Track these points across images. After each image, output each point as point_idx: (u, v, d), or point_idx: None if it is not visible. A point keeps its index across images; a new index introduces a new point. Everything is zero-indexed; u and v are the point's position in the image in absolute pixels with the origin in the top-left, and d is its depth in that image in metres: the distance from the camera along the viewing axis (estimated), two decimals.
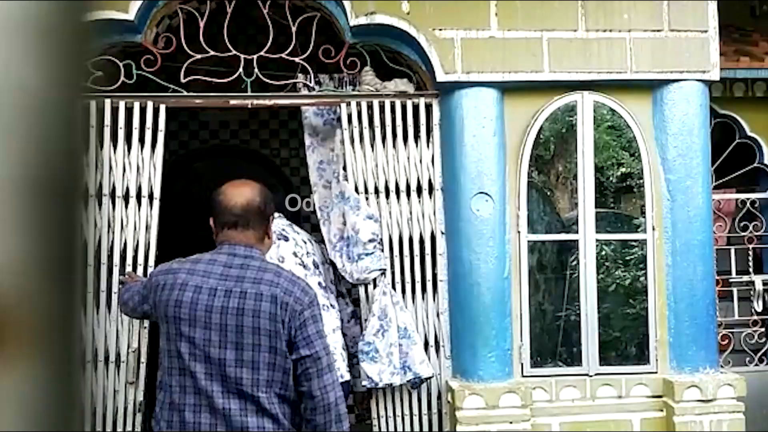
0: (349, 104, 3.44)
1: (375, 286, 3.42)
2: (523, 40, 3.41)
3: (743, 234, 4.41)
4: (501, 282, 3.41)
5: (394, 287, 3.44)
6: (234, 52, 3.40)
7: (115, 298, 3.28)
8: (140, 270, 3.29)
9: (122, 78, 3.33)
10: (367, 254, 3.39)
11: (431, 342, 3.50)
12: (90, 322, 3.28)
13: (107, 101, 3.31)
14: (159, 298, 2.18)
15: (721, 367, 3.68)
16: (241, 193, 2.25)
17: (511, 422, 3.30)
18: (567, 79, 3.45)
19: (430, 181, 3.51)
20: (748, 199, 4.44)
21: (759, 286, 4.40)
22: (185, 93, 3.40)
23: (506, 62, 3.39)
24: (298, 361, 2.13)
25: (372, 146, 3.47)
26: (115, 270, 3.29)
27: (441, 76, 3.37)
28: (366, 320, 3.41)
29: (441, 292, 3.49)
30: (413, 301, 3.48)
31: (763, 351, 4.40)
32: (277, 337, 2.10)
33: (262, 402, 2.09)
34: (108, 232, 3.31)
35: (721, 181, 4.28)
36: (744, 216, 4.43)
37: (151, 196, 3.34)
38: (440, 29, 3.36)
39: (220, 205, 2.25)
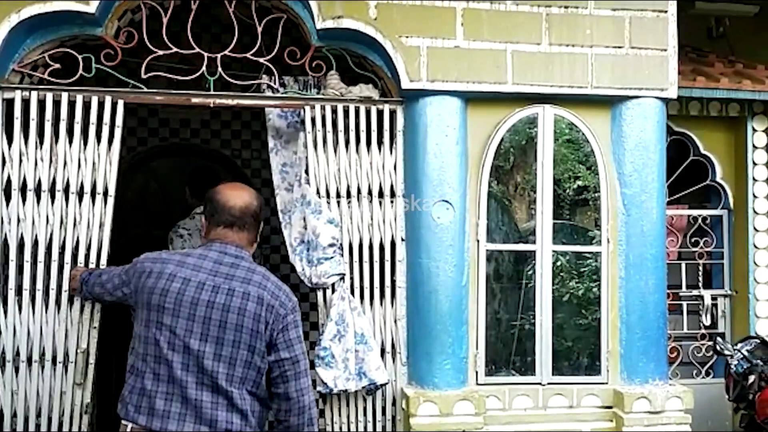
0: (313, 107, 3.42)
1: (333, 291, 3.40)
2: (488, 51, 3.44)
3: (694, 249, 4.54)
4: (459, 290, 3.43)
5: (352, 292, 3.43)
6: (197, 49, 3.35)
7: (65, 296, 3.19)
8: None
9: (80, 71, 3.25)
10: (326, 258, 3.37)
11: (388, 348, 3.49)
12: (38, 320, 3.18)
13: (64, 94, 3.22)
14: (143, 284, 2.22)
15: (670, 379, 3.76)
16: (240, 196, 2.36)
17: (464, 430, 3.32)
18: (529, 91, 3.49)
19: (391, 187, 3.51)
20: (699, 215, 4.57)
21: (708, 301, 4.53)
22: (145, 89, 3.33)
23: (471, 72, 3.42)
24: (276, 363, 2.21)
25: (335, 150, 3.45)
26: (66, 267, 3.20)
27: (406, 84, 3.38)
28: (323, 325, 3.39)
29: (399, 298, 3.50)
30: (371, 307, 3.47)
31: (709, 364, 4.52)
32: (258, 337, 2.18)
33: (234, 398, 2.15)
34: (60, 228, 3.22)
35: (674, 197, 4.39)
36: (695, 232, 4.57)
37: (105, 193, 3.26)
38: (407, 36, 3.37)
39: (218, 204, 2.34)
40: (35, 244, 3.19)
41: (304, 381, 2.25)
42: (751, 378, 3.76)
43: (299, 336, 2.27)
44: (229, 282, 2.21)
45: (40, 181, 3.21)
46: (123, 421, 2.21)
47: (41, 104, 3.22)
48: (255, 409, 2.22)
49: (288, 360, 2.22)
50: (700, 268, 4.57)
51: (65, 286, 3.19)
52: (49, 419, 3.20)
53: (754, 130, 4.44)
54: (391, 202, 3.51)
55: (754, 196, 4.43)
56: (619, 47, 3.55)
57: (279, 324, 2.22)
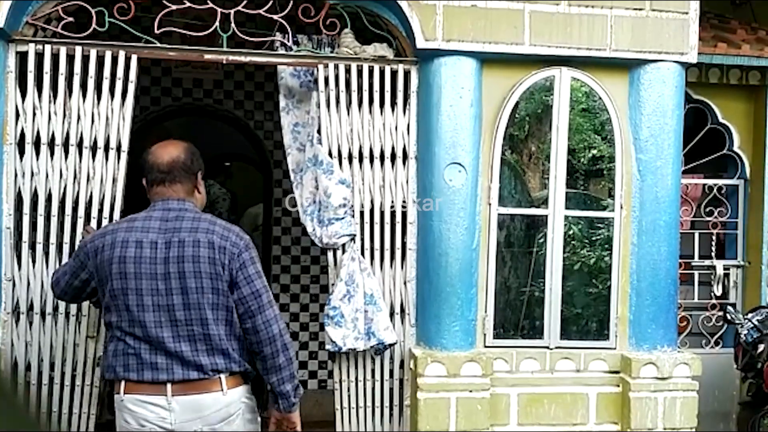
0: (326, 66, 3.39)
1: (344, 252, 3.41)
2: (505, 10, 3.38)
3: (708, 219, 4.50)
4: (469, 253, 3.43)
5: (363, 253, 3.43)
6: (211, 4, 3.32)
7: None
8: (104, 224, 3.23)
9: (94, 25, 3.23)
10: (337, 219, 3.37)
11: (397, 309, 3.51)
12: (52, 273, 3.21)
13: (78, 49, 3.21)
14: (101, 259, 2.29)
15: (678, 347, 3.76)
16: (166, 152, 2.42)
17: (471, 391, 3.34)
18: (546, 53, 3.44)
19: (404, 148, 3.49)
20: (715, 185, 4.52)
21: (720, 271, 4.50)
22: (159, 45, 3.31)
23: (487, 32, 3.37)
24: (240, 300, 2.30)
25: (348, 110, 3.43)
26: (80, 222, 3.22)
27: (421, 43, 3.33)
28: (333, 285, 3.41)
29: (409, 260, 3.50)
30: (381, 268, 3.48)
31: (719, 334, 4.51)
32: (218, 279, 2.26)
33: (212, 340, 2.27)
34: (73, 183, 3.23)
35: (690, 165, 4.34)
36: (710, 201, 4.52)
37: (119, 149, 3.26)
38: None
39: (148, 163, 2.42)
40: (48, 198, 3.22)
41: (269, 312, 2.32)
42: (761, 347, 3.76)
43: (258, 271, 2.34)
44: (177, 234, 2.29)
45: (53, 135, 3.22)
46: (116, 382, 2.30)
47: (55, 58, 3.21)
48: (234, 347, 2.31)
49: (250, 295, 2.30)
50: (714, 238, 4.53)
51: (78, 240, 3.22)
52: (62, 371, 3.25)
53: None
54: (404, 163, 3.49)
55: None
56: (640, 9, 3.48)
57: (235, 263, 2.29)
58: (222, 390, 2.28)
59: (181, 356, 2.25)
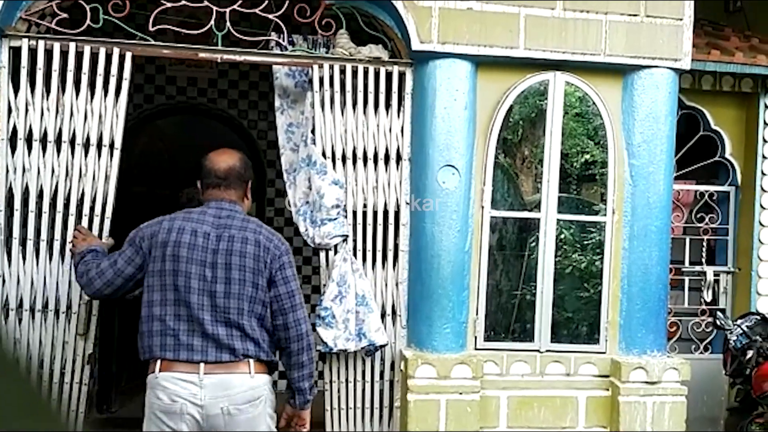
0: (321, 66, 3.39)
1: (336, 252, 3.41)
2: (500, 14, 3.39)
3: (699, 225, 4.52)
4: (462, 255, 3.43)
5: (355, 254, 3.43)
6: (206, 2, 3.31)
7: (69, 247, 3.20)
8: (96, 221, 3.22)
9: (88, 22, 3.22)
10: (330, 219, 3.37)
11: (388, 311, 3.51)
12: (42, 270, 3.20)
13: (72, 45, 3.20)
14: (156, 241, 2.49)
15: (668, 351, 3.77)
16: (223, 160, 2.65)
17: (460, 393, 3.35)
18: (541, 57, 3.45)
19: (398, 150, 3.49)
20: (707, 191, 4.54)
21: (710, 277, 4.52)
22: (153, 42, 3.30)
23: (482, 36, 3.38)
24: (275, 297, 2.52)
25: (342, 111, 3.43)
26: (71, 219, 3.21)
27: (416, 45, 3.34)
28: (324, 285, 3.41)
29: (401, 262, 3.50)
30: (373, 270, 3.48)
31: (708, 340, 4.53)
32: (260, 275, 2.49)
33: (246, 329, 2.46)
34: (65, 179, 3.22)
35: (682, 171, 4.36)
36: (701, 208, 4.54)
37: (111, 146, 3.25)
38: None
39: (206, 168, 2.64)
40: (40, 194, 3.20)
41: (300, 312, 2.54)
42: (750, 353, 3.78)
43: (294, 274, 2.57)
44: (228, 230, 2.51)
45: (46, 131, 3.20)
46: (151, 361, 2.45)
47: (48, 54, 3.19)
48: (264, 338, 2.51)
49: (285, 294, 2.52)
50: (704, 244, 4.56)
51: (69, 237, 3.20)
52: (51, 369, 3.23)
53: (767, 107, 4.39)
54: (397, 165, 3.49)
55: (763, 174, 4.39)
56: (634, 15, 3.50)
57: (276, 263, 2.52)
58: (250, 373, 2.45)
59: (217, 339, 2.42)
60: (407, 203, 3.50)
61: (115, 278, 2.57)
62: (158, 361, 2.43)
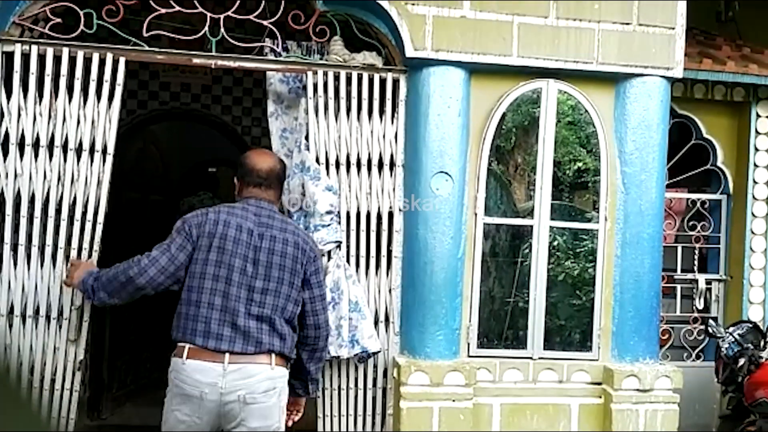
0: (315, 73, 3.40)
1: (329, 259, 3.41)
2: (494, 22, 3.41)
3: (691, 233, 4.54)
4: (455, 262, 3.43)
5: (348, 261, 3.43)
6: (200, 8, 3.31)
7: (61, 253, 3.19)
8: (88, 227, 3.21)
9: (82, 27, 3.22)
10: (323, 226, 3.36)
11: (381, 317, 3.51)
12: (33, 275, 3.19)
13: (65, 50, 3.20)
14: (203, 231, 2.62)
15: (660, 359, 3.78)
16: (265, 160, 2.82)
17: (453, 400, 3.34)
18: (534, 65, 3.46)
19: (391, 156, 3.50)
20: (698, 199, 4.56)
21: (702, 285, 4.54)
22: (147, 48, 3.30)
23: (476, 43, 3.39)
24: (311, 298, 2.73)
25: (336, 118, 3.44)
26: (63, 224, 3.19)
27: (410, 52, 3.35)
28: None
29: (395, 268, 3.50)
30: (366, 276, 3.48)
31: (700, 348, 4.54)
32: (296, 275, 2.68)
33: (276, 324, 2.62)
34: (57, 185, 3.21)
35: (674, 180, 4.38)
36: (693, 216, 4.56)
37: (104, 151, 3.24)
38: (413, 4, 3.34)
39: (247, 167, 2.78)
40: (32, 200, 3.19)
41: (327, 314, 2.84)
42: (741, 361, 3.79)
43: (323, 278, 2.85)
44: (270, 230, 2.68)
45: (38, 136, 3.19)
46: (180, 343, 2.59)
47: (41, 59, 3.19)
48: (290, 334, 2.68)
49: (319, 296, 2.76)
50: (696, 252, 4.57)
51: (61, 243, 3.19)
52: (42, 375, 3.21)
53: (758, 116, 4.41)
54: (391, 171, 3.50)
55: (755, 182, 4.41)
56: (627, 24, 3.52)
57: (311, 266, 2.73)
58: (270, 364, 2.60)
59: (247, 331, 2.57)
60: (401, 210, 3.50)
61: (169, 264, 2.62)
62: (186, 347, 2.56)
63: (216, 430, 2.60)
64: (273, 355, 2.61)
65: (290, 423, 2.90)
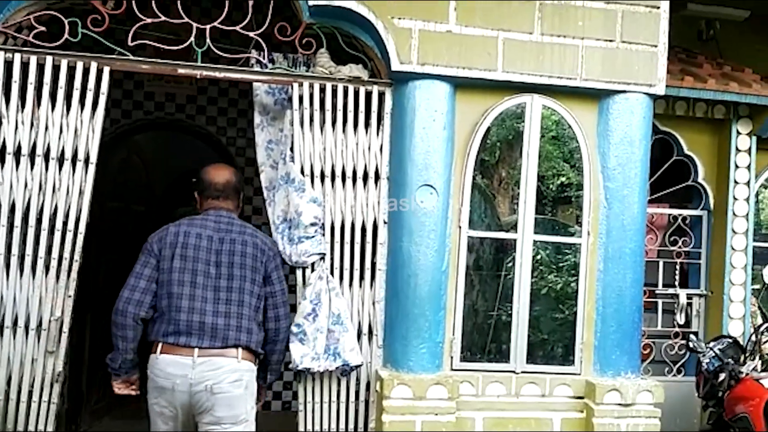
0: (301, 85, 3.40)
1: (313, 270, 3.39)
2: (479, 37, 3.43)
3: (672, 248, 4.58)
4: (439, 275, 3.44)
5: (332, 273, 3.42)
6: (186, 19, 3.31)
7: (40, 263, 3.16)
8: (69, 237, 3.17)
9: (66, 36, 3.20)
10: (307, 237, 3.35)
11: (365, 330, 3.49)
12: (12, 286, 3.14)
13: (49, 58, 3.17)
14: (165, 243, 2.85)
15: (642, 374, 3.79)
16: (221, 174, 3.05)
17: (436, 414, 3.33)
18: (519, 80, 3.49)
19: (376, 169, 3.50)
20: (680, 215, 4.61)
21: (683, 300, 4.57)
22: (132, 57, 3.29)
23: (461, 58, 3.41)
24: (271, 293, 2.96)
25: (321, 130, 3.44)
26: (44, 234, 3.16)
27: (396, 65, 3.36)
28: (299, 304, 3.38)
29: (378, 281, 3.49)
30: (350, 288, 3.47)
31: (681, 362, 4.57)
32: (257, 272, 2.91)
33: (242, 320, 2.84)
34: (39, 194, 3.17)
35: (656, 195, 4.43)
36: (675, 231, 4.61)
37: (87, 160, 3.22)
38: (399, 18, 3.36)
39: (205, 182, 3.03)
40: (12, 209, 3.15)
41: (287, 307, 3.04)
42: (722, 376, 3.81)
43: (283, 274, 3.06)
44: (229, 234, 2.92)
45: (20, 144, 3.16)
46: (155, 343, 2.82)
47: (25, 67, 3.16)
48: (256, 329, 2.89)
49: (280, 291, 2.99)
50: (678, 267, 4.61)
51: (41, 253, 3.16)
52: (19, 387, 3.16)
53: (738, 133, 4.47)
54: (375, 184, 3.50)
55: (735, 198, 4.46)
56: (610, 41, 3.56)
57: (271, 263, 2.97)
58: (237, 358, 2.80)
59: (215, 328, 2.79)
60: (385, 222, 3.50)
61: (137, 281, 2.84)
62: (160, 344, 2.80)
63: (190, 419, 2.82)
64: (240, 349, 2.82)
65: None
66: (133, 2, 3.26)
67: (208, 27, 3.35)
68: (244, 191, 3.04)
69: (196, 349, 2.75)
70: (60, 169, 3.19)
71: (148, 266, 2.85)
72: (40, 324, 3.18)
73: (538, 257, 3.64)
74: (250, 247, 2.91)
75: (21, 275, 3.15)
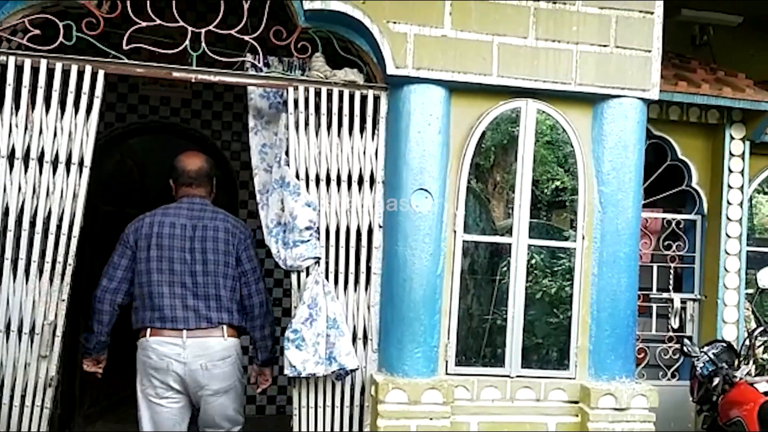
0: (296, 89, 3.40)
1: (308, 275, 3.39)
2: (474, 42, 3.44)
3: (667, 253, 4.59)
4: (434, 279, 3.43)
5: (327, 277, 3.41)
6: (182, 23, 3.31)
7: (34, 266, 3.14)
8: (63, 240, 3.16)
9: (61, 39, 3.19)
10: (302, 241, 3.35)
11: (360, 334, 3.49)
12: (5, 289, 3.13)
13: (43, 61, 3.16)
14: (141, 233, 3.10)
15: (636, 379, 3.80)
16: (194, 162, 3.29)
17: (431, 419, 3.32)
18: (513, 85, 3.50)
19: (371, 173, 3.50)
20: (674, 219, 4.63)
21: (677, 304, 4.59)
22: (127, 61, 3.28)
23: (456, 62, 3.42)
24: (243, 272, 3.19)
25: (317, 133, 3.44)
26: (37, 237, 3.15)
27: (391, 70, 3.37)
28: (295, 308, 3.38)
29: (374, 285, 3.49)
30: (345, 293, 3.47)
31: (675, 367, 4.58)
32: (229, 255, 3.15)
33: (221, 300, 3.12)
34: (32, 197, 3.16)
35: (650, 200, 4.44)
36: (669, 235, 4.62)
37: (81, 164, 3.21)
38: (394, 22, 3.36)
39: (179, 170, 3.26)
40: (5, 212, 3.14)
41: (261, 284, 3.26)
42: (716, 380, 3.81)
43: (255, 253, 3.27)
44: (201, 221, 3.15)
45: (13, 148, 3.15)
46: (143, 329, 3.07)
47: (19, 70, 3.15)
48: (235, 307, 3.16)
49: (250, 270, 3.21)
50: (672, 271, 4.63)
51: (35, 256, 3.14)
52: (12, 392, 3.14)
53: (732, 138, 4.50)
54: (371, 188, 3.50)
55: (728, 203, 4.49)
56: (604, 46, 3.57)
57: (241, 245, 3.19)
58: (223, 336, 3.10)
59: (197, 310, 3.06)
60: (380, 226, 3.50)
61: (114, 271, 3.10)
62: (148, 329, 3.05)
63: (186, 395, 3.11)
64: (224, 327, 3.11)
65: (259, 390, 3.47)
66: (128, 5, 3.25)
67: (203, 31, 3.34)
68: (219, 174, 3.33)
69: (184, 331, 3.03)
70: (54, 173, 3.18)
71: (125, 257, 3.11)
72: (33, 328, 3.16)
73: (533, 261, 3.64)
74: (221, 231, 3.15)
75: (14, 279, 3.14)
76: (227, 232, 3.16)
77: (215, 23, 3.34)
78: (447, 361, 3.50)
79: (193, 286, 3.07)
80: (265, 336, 3.29)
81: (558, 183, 3.68)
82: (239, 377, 3.21)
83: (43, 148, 3.17)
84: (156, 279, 3.05)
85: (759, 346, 4.20)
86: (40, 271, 3.16)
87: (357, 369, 3.42)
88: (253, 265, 3.22)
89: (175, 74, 3.34)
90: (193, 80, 3.35)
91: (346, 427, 3.49)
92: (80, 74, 3.20)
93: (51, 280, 3.17)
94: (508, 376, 3.55)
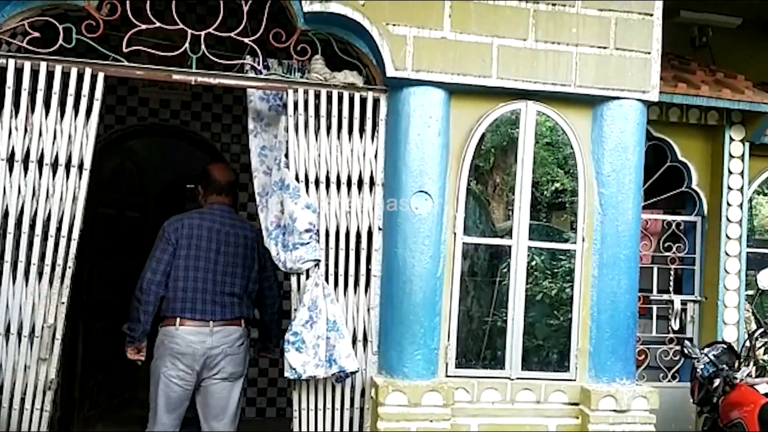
0: (296, 91, 3.40)
1: (308, 277, 3.39)
2: (474, 43, 3.44)
3: (667, 254, 4.59)
4: (434, 281, 3.43)
5: (327, 279, 3.41)
6: (181, 25, 3.31)
7: (33, 269, 3.14)
8: (63, 243, 3.16)
9: (60, 41, 3.19)
10: (302, 244, 3.35)
11: (359, 337, 3.49)
12: (5, 292, 3.12)
13: (43, 64, 3.17)
14: (181, 233, 3.53)
15: (637, 380, 3.79)
16: (225, 174, 3.81)
17: (431, 421, 3.32)
18: (513, 86, 3.50)
19: (371, 175, 3.50)
20: (674, 220, 4.63)
21: (677, 306, 4.58)
22: (126, 63, 3.28)
23: (456, 64, 3.42)
24: (265, 277, 3.73)
25: (316, 136, 3.44)
26: (37, 240, 3.14)
27: (391, 72, 3.37)
28: (295, 310, 3.37)
29: (374, 287, 3.49)
30: (345, 295, 3.46)
31: (676, 368, 4.58)
32: (253, 259, 3.68)
33: (243, 298, 3.64)
34: (32, 200, 3.16)
35: (650, 201, 4.44)
36: (669, 237, 4.62)
37: (81, 167, 3.21)
38: (394, 24, 3.36)
39: (211, 179, 3.74)
40: (5, 215, 3.14)
41: (277, 282, 3.83)
42: (716, 382, 3.81)
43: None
44: (230, 227, 3.65)
45: (13, 150, 3.15)
46: (173, 318, 3.48)
47: (19, 73, 3.15)
48: (250, 304, 3.71)
49: (271, 269, 3.69)
50: (672, 273, 4.62)
51: (35, 259, 3.14)
52: (12, 394, 3.14)
53: (732, 140, 4.50)
54: (370, 190, 3.50)
55: (728, 204, 4.49)
56: (604, 47, 3.57)
57: (261, 248, 3.56)
58: (241, 326, 3.62)
59: (223, 304, 3.55)
60: (380, 228, 3.50)
61: (158, 265, 3.49)
62: (178, 318, 3.47)
63: (198, 379, 3.52)
64: (242, 319, 3.62)
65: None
66: (128, 8, 3.25)
67: (202, 33, 3.35)
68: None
69: (211, 322, 3.49)
70: (54, 175, 3.18)
71: (167, 253, 3.50)
72: (33, 331, 3.16)
73: (533, 263, 3.64)
74: (242, 238, 3.64)
75: (14, 282, 3.14)
76: (247, 239, 3.65)
77: (215, 26, 3.34)
78: (447, 363, 3.49)
79: (221, 284, 3.54)
80: (279, 325, 3.85)
81: (558, 185, 3.68)
82: (246, 368, 3.67)
83: (42, 151, 3.17)
84: (192, 275, 3.49)
85: (759, 348, 4.20)
86: (40, 274, 3.16)
87: (357, 371, 3.42)
88: (272, 265, 3.55)
89: (175, 77, 3.34)
90: (192, 82, 3.36)
91: (346, 430, 3.49)
92: (80, 77, 3.20)
93: (51, 282, 3.17)
94: (509, 378, 3.55)
